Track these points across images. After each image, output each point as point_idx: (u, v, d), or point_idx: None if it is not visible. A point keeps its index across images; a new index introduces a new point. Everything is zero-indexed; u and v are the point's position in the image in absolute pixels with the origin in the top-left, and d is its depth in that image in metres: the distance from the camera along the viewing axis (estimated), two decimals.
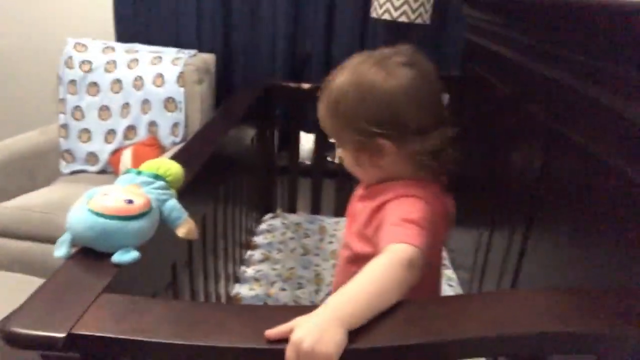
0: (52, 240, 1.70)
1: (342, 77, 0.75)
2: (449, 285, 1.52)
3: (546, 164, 0.94)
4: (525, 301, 0.60)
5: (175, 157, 1.12)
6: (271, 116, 1.94)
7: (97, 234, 0.62)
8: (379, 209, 0.73)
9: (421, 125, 0.73)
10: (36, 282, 1.45)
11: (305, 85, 1.81)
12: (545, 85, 0.97)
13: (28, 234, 1.74)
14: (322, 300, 1.40)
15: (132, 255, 0.62)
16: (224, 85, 2.27)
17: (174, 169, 0.77)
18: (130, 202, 0.65)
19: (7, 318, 0.52)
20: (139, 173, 0.74)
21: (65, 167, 2.14)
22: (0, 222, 1.76)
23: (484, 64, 1.53)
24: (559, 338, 0.53)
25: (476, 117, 1.54)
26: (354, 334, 0.52)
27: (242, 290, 1.43)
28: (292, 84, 1.82)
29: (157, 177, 0.74)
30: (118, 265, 0.61)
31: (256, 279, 1.49)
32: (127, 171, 0.77)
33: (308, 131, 2.26)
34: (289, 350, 0.49)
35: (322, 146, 1.93)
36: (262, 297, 1.42)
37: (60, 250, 0.64)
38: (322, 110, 0.79)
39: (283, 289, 1.46)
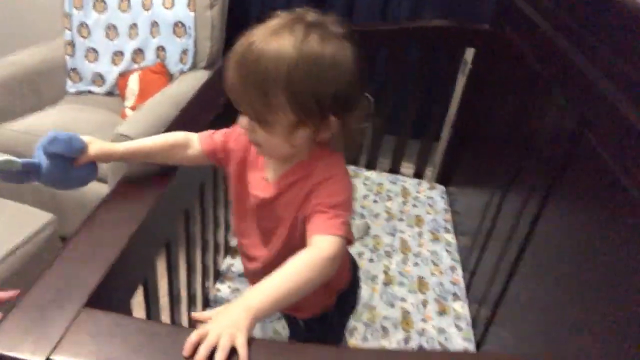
0: None
1: (285, 46, 0.64)
2: (447, 250, 1.53)
3: (581, 123, 0.88)
4: None
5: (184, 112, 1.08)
6: None
7: None
8: (311, 192, 0.73)
9: (359, 99, 0.72)
10: (39, 215, 1.47)
11: None
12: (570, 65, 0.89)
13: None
14: None
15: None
16: (238, 13, 2.13)
17: None
18: None
19: None
20: None
21: (71, 87, 2.09)
22: (6, 144, 1.75)
23: (515, 25, 1.42)
24: None
25: (504, 72, 1.45)
26: None
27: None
28: None
29: None
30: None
31: None
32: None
33: None
34: (194, 335, 0.54)
35: None
36: None
37: None
38: (245, 81, 0.66)
39: None
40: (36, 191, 1.76)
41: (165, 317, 1.00)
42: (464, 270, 1.46)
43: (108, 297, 0.63)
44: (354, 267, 1.02)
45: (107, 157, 0.84)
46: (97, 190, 1.70)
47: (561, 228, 0.91)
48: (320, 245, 0.67)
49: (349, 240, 0.72)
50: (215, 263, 1.35)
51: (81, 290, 0.58)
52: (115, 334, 0.54)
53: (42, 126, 1.77)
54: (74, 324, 0.54)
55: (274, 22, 0.68)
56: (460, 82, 1.96)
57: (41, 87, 1.97)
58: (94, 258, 0.64)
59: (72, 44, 2.05)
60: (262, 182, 0.79)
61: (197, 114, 1.07)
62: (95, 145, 0.80)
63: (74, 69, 2.07)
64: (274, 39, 0.65)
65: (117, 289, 0.68)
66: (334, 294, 0.94)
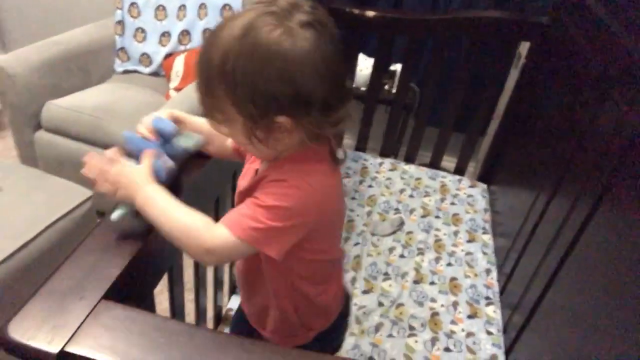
0: (98, 144, 1.76)
1: (233, 33, 0.58)
2: (483, 252, 1.47)
3: None
4: None
5: None
6: None
7: None
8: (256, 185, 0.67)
9: (326, 101, 0.61)
10: (78, 191, 1.51)
11: (370, 13, 1.65)
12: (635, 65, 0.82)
13: (78, 134, 1.79)
14: (350, 250, 1.40)
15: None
16: None
17: None
18: None
19: (7, 321, 0.53)
20: None
21: (119, 66, 2.13)
22: (52, 119, 1.81)
23: (576, 19, 1.33)
24: None
25: (560, 68, 1.36)
26: None
27: None
28: (355, 11, 1.66)
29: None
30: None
31: None
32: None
33: (369, 55, 2.11)
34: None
35: (381, 72, 1.80)
36: None
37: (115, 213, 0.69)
38: (196, 68, 0.62)
39: None
40: (77, 165, 1.82)
41: (189, 307, 1.01)
42: (499, 273, 1.41)
43: (130, 287, 0.63)
44: (345, 300, 0.91)
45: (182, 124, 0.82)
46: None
47: (610, 237, 0.85)
48: (213, 230, 0.63)
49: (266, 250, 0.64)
50: None
51: (101, 281, 0.59)
52: (132, 330, 0.54)
53: (87, 102, 1.82)
54: (91, 315, 0.54)
55: (247, 7, 0.62)
56: (512, 76, 1.87)
57: (90, 66, 2.02)
58: (117, 248, 0.65)
59: (122, 23, 2.09)
60: (251, 173, 0.76)
61: None
62: (174, 114, 0.82)
63: (122, 49, 2.11)
64: (228, 23, 0.60)
65: (141, 279, 0.68)
66: (310, 333, 0.85)
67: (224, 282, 1.20)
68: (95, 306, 0.56)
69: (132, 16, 2.08)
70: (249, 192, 0.67)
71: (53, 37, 1.94)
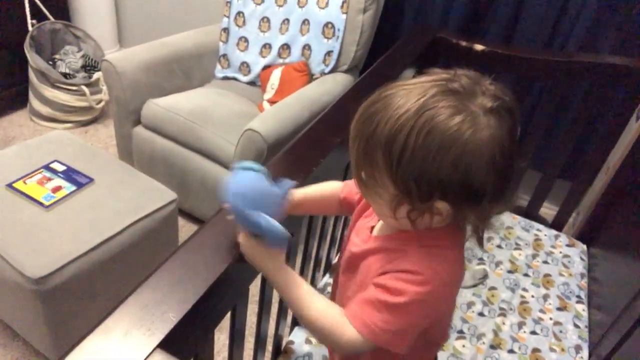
0: (189, 146, 1.80)
1: (407, 106, 0.54)
2: (575, 325, 1.31)
3: None
4: None
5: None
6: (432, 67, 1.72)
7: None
8: (384, 273, 0.63)
9: (495, 192, 0.56)
10: (164, 192, 1.54)
11: (478, 47, 1.55)
12: None
13: (171, 135, 1.84)
14: None
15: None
16: (389, 21, 2.05)
17: None
18: None
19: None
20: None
21: (219, 72, 2.18)
22: (151, 117, 1.88)
23: None
24: None
25: None
26: None
27: None
28: (463, 43, 1.57)
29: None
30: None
31: None
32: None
33: None
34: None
35: None
36: None
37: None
38: (356, 129, 0.59)
39: None
40: (169, 165, 1.88)
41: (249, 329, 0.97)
42: (591, 354, 1.24)
43: (188, 331, 0.60)
44: None
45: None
46: (216, 172, 1.76)
47: None
48: (344, 330, 0.62)
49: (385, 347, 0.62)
50: (314, 278, 1.30)
51: (161, 325, 0.56)
52: None
53: (184, 104, 1.87)
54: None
55: (416, 79, 0.58)
56: (632, 128, 1.67)
57: (192, 69, 2.08)
58: (179, 291, 0.62)
59: (227, 31, 2.14)
60: (366, 231, 0.72)
61: (321, 134, 1.02)
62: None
63: (224, 55, 2.16)
64: (401, 94, 0.55)
65: (202, 319, 0.65)
66: None
67: (289, 312, 1.15)
68: (150, 354, 0.52)
69: (237, 25, 2.12)
70: (365, 255, 0.68)
71: (162, 39, 2.02)
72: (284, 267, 0.67)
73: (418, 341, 0.65)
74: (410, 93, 0.55)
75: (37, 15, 2.41)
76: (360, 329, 0.61)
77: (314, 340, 1.17)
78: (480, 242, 0.63)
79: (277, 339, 1.15)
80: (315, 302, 0.65)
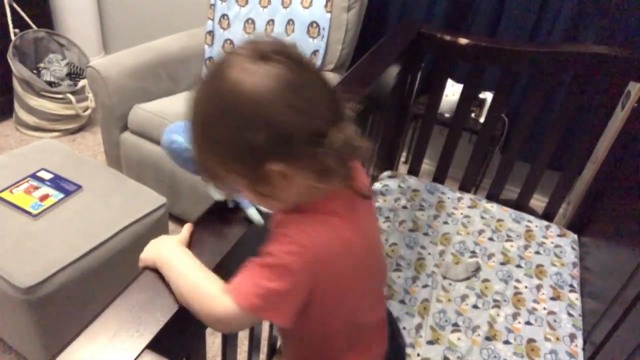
0: None
1: (201, 85, 0.57)
2: (569, 313, 1.32)
3: None
4: None
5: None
6: (417, 63, 1.73)
7: None
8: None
9: (311, 129, 0.54)
10: (154, 197, 1.53)
11: (463, 41, 1.55)
12: None
13: (159, 138, 1.82)
14: (417, 292, 1.29)
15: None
16: (373, 19, 2.05)
17: None
18: None
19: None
20: None
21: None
22: (137, 122, 1.87)
23: None
24: None
25: None
26: None
27: None
28: (447, 37, 1.57)
29: None
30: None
31: None
32: None
33: (457, 80, 2.01)
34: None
35: (469, 99, 1.68)
36: None
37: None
38: (191, 133, 0.59)
39: None
40: (158, 170, 1.87)
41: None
42: (585, 342, 1.25)
43: (177, 332, 0.59)
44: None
45: None
46: None
47: None
48: (221, 298, 0.58)
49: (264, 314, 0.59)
50: None
51: (148, 326, 0.55)
52: None
53: (171, 108, 1.86)
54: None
55: None
56: (618, 117, 1.69)
57: (178, 73, 2.07)
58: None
59: (212, 34, 2.13)
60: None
61: None
62: None
63: (210, 58, 2.15)
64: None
65: (191, 320, 0.64)
66: None
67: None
68: (138, 355, 0.52)
69: (222, 27, 2.11)
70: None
71: (147, 43, 2.00)
72: (177, 245, 0.69)
73: (315, 336, 0.66)
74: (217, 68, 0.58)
75: (20, 23, 2.39)
76: (235, 296, 0.57)
77: None
78: (358, 194, 0.63)
79: (272, 339, 1.14)
80: (200, 272, 0.63)
